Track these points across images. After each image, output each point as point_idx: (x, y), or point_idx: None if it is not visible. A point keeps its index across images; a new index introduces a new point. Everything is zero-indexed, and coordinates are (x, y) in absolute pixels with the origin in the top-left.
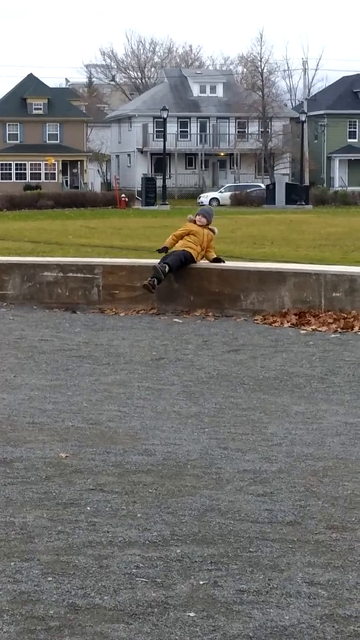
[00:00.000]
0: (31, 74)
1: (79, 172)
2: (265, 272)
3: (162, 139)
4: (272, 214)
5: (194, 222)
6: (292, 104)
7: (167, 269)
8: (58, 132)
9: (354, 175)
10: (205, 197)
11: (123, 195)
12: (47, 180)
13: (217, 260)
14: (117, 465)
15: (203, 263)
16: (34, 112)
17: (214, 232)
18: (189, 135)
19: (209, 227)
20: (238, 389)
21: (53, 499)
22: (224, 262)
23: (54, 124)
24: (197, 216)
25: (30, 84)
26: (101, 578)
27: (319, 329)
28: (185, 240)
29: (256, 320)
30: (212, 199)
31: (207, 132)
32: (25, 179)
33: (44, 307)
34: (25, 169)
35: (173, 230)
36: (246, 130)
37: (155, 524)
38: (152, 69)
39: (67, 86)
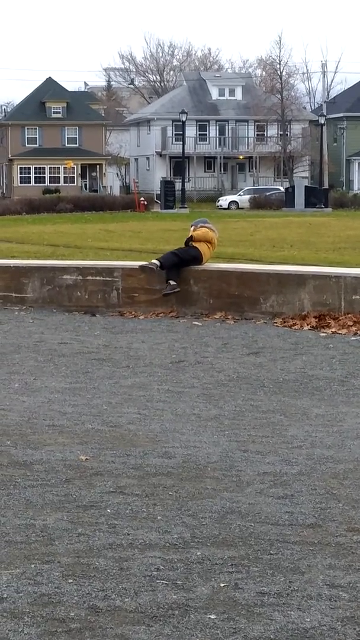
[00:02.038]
0: (50, 78)
1: (97, 175)
2: (284, 275)
3: (181, 142)
4: (291, 217)
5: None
6: (311, 106)
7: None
8: (77, 136)
9: None
10: (224, 201)
11: (142, 198)
12: (66, 184)
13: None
14: (137, 467)
15: (223, 265)
16: (53, 115)
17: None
18: (207, 139)
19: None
20: (258, 391)
21: (73, 501)
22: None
23: (73, 127)
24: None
25: (49, 88)
26: (122, 580)
27: (339, 331)
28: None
29: (276, 323)
30: (231, 202)
31: (226, 135)
32: (44, 182)
33: (63, 310)
34: (44, 173)
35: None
36: (265, 133)
37: (175, 527)
38: (171, 72)
39: (86, 90)
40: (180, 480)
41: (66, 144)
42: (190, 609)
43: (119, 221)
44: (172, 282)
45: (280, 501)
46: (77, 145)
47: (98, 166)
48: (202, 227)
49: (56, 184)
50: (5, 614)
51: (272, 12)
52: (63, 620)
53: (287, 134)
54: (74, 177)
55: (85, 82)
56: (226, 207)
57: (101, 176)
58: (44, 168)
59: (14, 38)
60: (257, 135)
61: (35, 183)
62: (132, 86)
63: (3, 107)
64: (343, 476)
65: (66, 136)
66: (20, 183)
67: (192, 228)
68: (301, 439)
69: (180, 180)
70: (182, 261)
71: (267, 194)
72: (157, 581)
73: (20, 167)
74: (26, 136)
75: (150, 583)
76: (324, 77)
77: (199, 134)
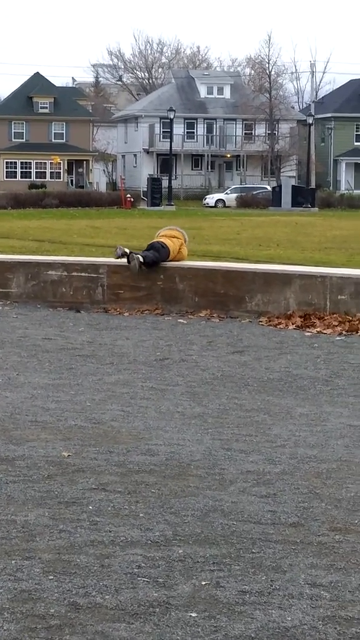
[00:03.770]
0: (38, 73)
1: (84, 171)
2: (270, 274)
3: (169, 140)
4: (278, 216)
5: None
6: (299, 106)
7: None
8: (64, 132)
9: None
10: (211, 199)
11: (128, 195)
12: (53, 179)
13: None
14: (120, 464)
15: (209, 263)
16: (40, 110)
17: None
18: (195, 136)
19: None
20: (242, 390)
21: (55, 497)
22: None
23: (60, 123)
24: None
25: (37, 83)
26: (103, 577)
27: (324, 331)
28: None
29: (261, 322)
30: (218, 200)
31: (214, 133)
32: (30, 177)
33: (47, 306)
34: (30, 168)
35: None
36: (253, 132)
37: (157, 524)
38: (160, 70)
39: (74, 85)
40: (163, 478)
41: (53, 140)
42: (171, 606)
43: (105, 217)
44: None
45: (263, 500)
46: (64, 140)
47: (85, 162)
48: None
49: (42, 179)
50: None
51: (261, 11)
52: (43, 616)
53: (275, 133)
54: (60, 172)
55: (73, 78)
56: (213, 205)
57: (88, 172)
58: (30, 163)
59: (1, 32)
60: (245, 134)
61: (21, 178)
62: (120, 83)
63: None
64: (326, 475)
65: (53, 131)
66: (6, 177)
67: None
68: (285, 438)
69: (167, 178)
70: (158, 260)
71: (254, 192)
72: (138, 579)
73: (6, 162)
74: (13, 131)
75: (132, 580)
76: (313, 77)
77: (187, 132)
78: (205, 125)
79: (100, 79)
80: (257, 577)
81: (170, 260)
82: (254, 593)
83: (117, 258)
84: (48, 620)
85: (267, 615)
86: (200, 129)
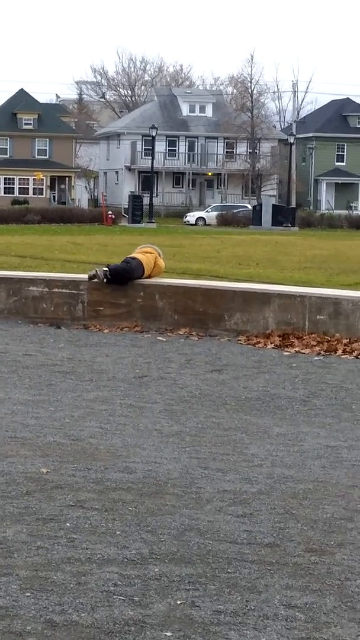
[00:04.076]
0: (22, 89)
1: (66, 188)
2: (249, 293)
3: (150, 157)
4: (258, 234)
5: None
6: (281, 125)
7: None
8: (47, 148)
9: (341, 199)
10: (191, 216)
11: (110, 212)
12: (35, 195)
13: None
14: (98, 482)
15: (188, 281)
16: (24, 127)
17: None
18: (177, 154)
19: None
20: (220, 409)
21: (33, 514)
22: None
23: (44, 139)
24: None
25: (21, 99)
26: (79, 595)
27: (302, 351)
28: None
29: (240, 340)
30: (199, 218)
31: (196, 151)
32: (13, 193)
33: (28, 322)
34: (13, 184)
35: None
36: (234, 150)
37: (134, 542)
38: (142, 87)
39: (58, 102)
40: (140, 496)
41: (36, 156)
42: (147, 625)
43: (86, 234)
44: (104, 273)
45: (239, 519)
46: (47, 157)
47: (67, 178)
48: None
49: (25, 195)
50: None
51: (244, 31)
52: (20, 633)
53: (256, 152)
54: (42, 188)
55: (57, 95)
56: (193, 223)
57: (70, 189)
58: (13, 179)
59: None
60: (227, 152)
61: (4, 194)
62: (103, 100)
63: None
64: (302, 496)
65: (37, 148)
66: None
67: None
68: (262, 457)
69: (149, 195)
70: (128, 272)
71: (235, 211)
72: (114, 597)
73: None
74: None
75: (107, 598)
76: (295, 96)
77: (169, 150)
78: (187, 143)
79: (83, 96)
80: (232, 597)
81: (149, 276)
82: (229, 613)
83: (90, 280)
84: (24, 637)
85: (242, 635)
86: (182, 147)
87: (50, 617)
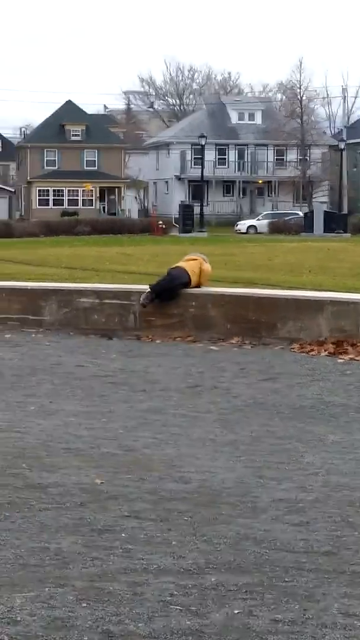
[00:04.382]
0: (70, 101)
1: (116, 198)
2: (302, 301)
3: (200, 166)
4: (310, 242)
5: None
6: (331, 131)
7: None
8: (96, 159)
9: None
10: (242, 225)
11: (160, 222)
12: (85, 207)
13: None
14: (152, 492)
15: (240, 290)
16: (72, 138)
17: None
18: (226, 163)
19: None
20: (274, 417)
21: (88, 525)
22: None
23: (92, 150)
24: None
25: (69, 111)
26: (135, 605)
27: (357, 358)
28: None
29: (293, 348)
30: (250, 226)
31: (245, 159)
32: (62, 205)
33: (80, 333)
34: (62, 195)
35: (210, 257)
36: (284, 157)
37: (190, 552)
38: (191, 96)
39: (106, 113)
40: (195, 506)
41: (85, 167)
42: (204, 635)
43: (137, 244)
44: (147, 296)
45: (295, 528)
46: (96, 168)
47: (117, 189)
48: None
49: (74, 207)
50: (19, 637)
51: (292, 37)
52: None
53: (306, 159)
54: (92, 200)
55: (104, 105)
56: (244, 231)
57: (119, 199)
58: (62, 190)
59: (33, 60)
60: (277, 159)
61: (53, 205)
62: (151, 109)
63: (22, 130)
64: (359, 504)
65: (85, 159)
66: (39, 205)
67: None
68: (317, 465)
69: (199, 204)
70: (171, 284)
71: (286, 218)
72: (171, 607)
73: (38, 190)
74: (45, 158)
75: (164, 608)
76: (345, 102)
77: (218, 158)
78: (236, 151)
79: (131, 105)
80: (290, 606)
81: (198, 283)
82: (287, 622)
83: (144, 307)
84: None
85: None
86: (232, 155)
87: (107, 627)
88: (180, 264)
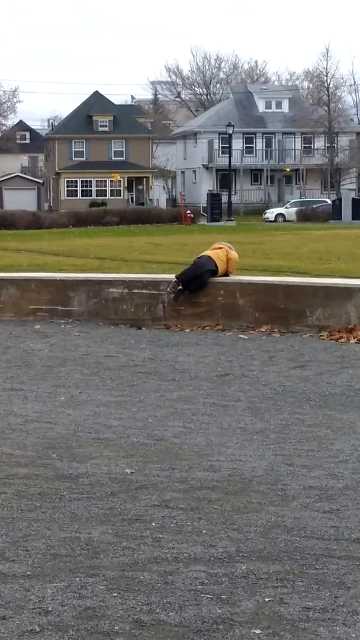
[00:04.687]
0: (97, 92)
1: (144, 188)
2: (331, 288)
3: (228, 155)
4: (339, 229)
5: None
6: (358, 118)
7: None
8: (123, 149)
9: None
10: (270, 213)
11: (188, 211)
12: (113, 197)
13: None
14: (182, 481)
15: (269, 278)
16: (100, 129)
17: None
18: (254, 151)
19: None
20: (304, 405)
21: (118, 514)
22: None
23: (120, 141)
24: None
25: (96, 102)
26: (166, 594)
27: None
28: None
29: (322, 336)
30: (278, 214)
31: (273, 147)
32: (91, 195)
33: (109, 323)
34: (90, 186)
35: (239, 246)
36: (312, 145)
37: (220, 541)
38: (218, 85)
39: (133, 103)
40: (225, 494)
41: (113, 157)
42: (235, 623)
43: (165, 234)
44: (173, 286)
45: (326, 515)
46: (124, 158)
47: (144, 179)
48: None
49: (103, 197)
50: (51, 627)
51: (319, 25)
52: (107, 633)
53: (334, 146)
54: (120, 190)
55: (132, 96)
56: (273, 219)
57: (147, 189)
58: (90, 181)
59: (60, 53)
60: (304, 147)
61: (82, 196)
62: (178, 99)
63: (50, 121)
64: None
65: (113, 149)
66: (67, 196)
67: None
68: (347, 453)
69: (227, 193)
70: (196, 272)
71: (314, 206)
72: (202, 595)
73: (67, 181)
74: (73, 149)
75: (195, 597)
76: None
77: (246, 147)
78: (264, 139)
79: (158, 96)
80: (321, 594)
81: (226, 272)
82: (318, 609)
83: (176, 300)
84: (112, 637)
85: (332, 632)
86: (259, 143)
87: (138, 616)
88: (206, 252)
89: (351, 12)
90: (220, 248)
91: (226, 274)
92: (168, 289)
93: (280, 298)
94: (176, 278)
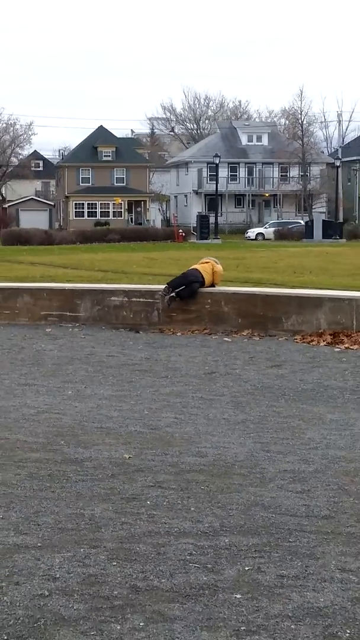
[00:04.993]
0: (101, 126)
1: (142, 210)
2: (304, 298)
3: (215, 182)
4: (311, 247)
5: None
6: (328, 151)
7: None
8: (124, 176)
9: None
10: (252, 232)
11: (180, 230)
12: (115, 218)
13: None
14: (174, 465)
15: (250, 289)
16: (104, 158)
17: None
18: (238, 179)
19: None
20: (280, 399)
21: (118, 494)
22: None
23: (121, 169)
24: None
25: (101, 135)
26: (159, 563)
27: (351, 347)
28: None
29: (296, 339)
30: (258, 233)
31: (254, 175)
32: (95, 216)
33: (111, 327)
34: (95, 208)
35: (223, 261)
36: (288, 174)
37: (206, 517)
38: (206, 121)
39: (133, 136)
40: (211, 476)
41: (115, 183)
42: (219, 589)
43: (160, 250)
44: (171, 294)
45: (298, 495)
46: (125, 184)
47: (142, 202)
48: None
49: (106, 218)
50: (58, 591)
51: (294, 70)
52: (108, 597)
53: (307, 175)
54: (121, 211)
55: (132, 130)
56: (254, 238)
57: (145, 211)
58: (95, 204)
59: (69, 91)
60: (281, 175)
61: (88, 217)
62: (172, 133)
63: (60, 151)
64: (354, 474)
65: (115, 176)
66: (75, 217)
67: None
68: (317, 441)
69: (214, 215)
70: (185, 280)
71: (290, 227)
72: (190, 564)
73: (75, 203)
74: (80, 176)
75: (184, 566)
76: (340, 125)
77: (230, 175)
78: (246, 168)
79: (155, 130)
80: (294, 563)
81: (212, 283)
82: (291, 577)
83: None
84: (112, 601)
85: (303, 596)
86: (242, 172)
87: (134, 583)
88: (195, 266)
89: (322, 60)
90: (207, 262)
91: (212, 285)
92: (161, 292)
93: (260, 306)
94: (167, 284)
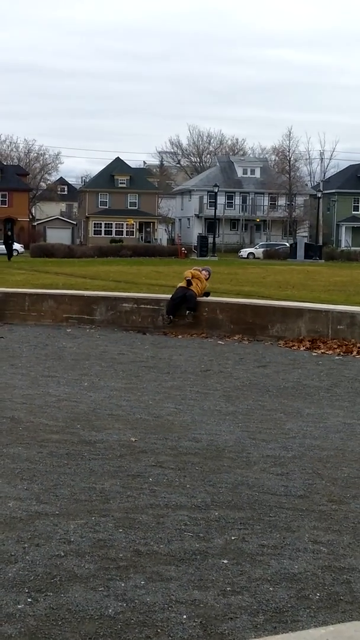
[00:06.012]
0: (118, 157)
1: (151, 230)
2: (287, 309)
3: (214, 208)
4: (294, 265)
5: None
6: (311, 184)
7: (170, 319)
8: (137, 201)
9: (357, 238)
10: (244, 252)
11: (183, 248)
12: (127, 236)
13: (207, 294)
14: (173, 448)
15: (241, 300)
16: (119, 185)
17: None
18: (233, 205)
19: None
20: (264, 395)
21: (125, 471)
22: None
23: (134, 194)
24: (204, 272)
25: (117, 165)
26: (158, 531)
27: (327, 352)
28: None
29: (279, 344)
30: (250, 253)
31: (247, 203)
32: (111, 234)
33: (122, 329)
34: (111, 227)
35: (219, 275)
36: (276, 202)
37: (199, 493)
38: (208, 156)
39: (145, 167)
40: (204, 459)
41: (128, 207)
42: (209, 555)
43: (165, 265)
44: (170, 317)
45: (278, 477)
46: (137, 208)
47: (151, 224)
48: (197, 270)
49: (120, 236)
50: (72, 553)
51: (284, 114)
52: (114, 559)
53: (292, 204)
54: (133, 231)
55: (144, 161)
56: (246, 256)
57: (153, 231)
58: (111, 224)
59: (92, 127)
60: (270, 204)
61: (104, 235)
62: (178, 165)
63: (82, 178)
64: (326, 460)
65: (129, 201)
66: (94, 234)
67: (204, 273)
68: (296, 431)
69: (212, 236)
70: (172, 300)
71: (277, 248)
72: (185, 533)
73: (94, 223)
74: (99, 200)
75: (180, 534)
76: (322, 162)
77: (227, 202)
78: (241, 197)
79: (164, 162)
80: (273, 535)
81: (202, 292)
82: (270, 547)
83: (170, 322)
84: (118, 562)
85: (280, 563)
86: (237, 200)
87: (137, 547)
88: (181, 283)
89: (308, 106)
90: (199, 279)
91: (207, 294)
92: (162, 318)
93: (249, 315)
94: (166, 313)
